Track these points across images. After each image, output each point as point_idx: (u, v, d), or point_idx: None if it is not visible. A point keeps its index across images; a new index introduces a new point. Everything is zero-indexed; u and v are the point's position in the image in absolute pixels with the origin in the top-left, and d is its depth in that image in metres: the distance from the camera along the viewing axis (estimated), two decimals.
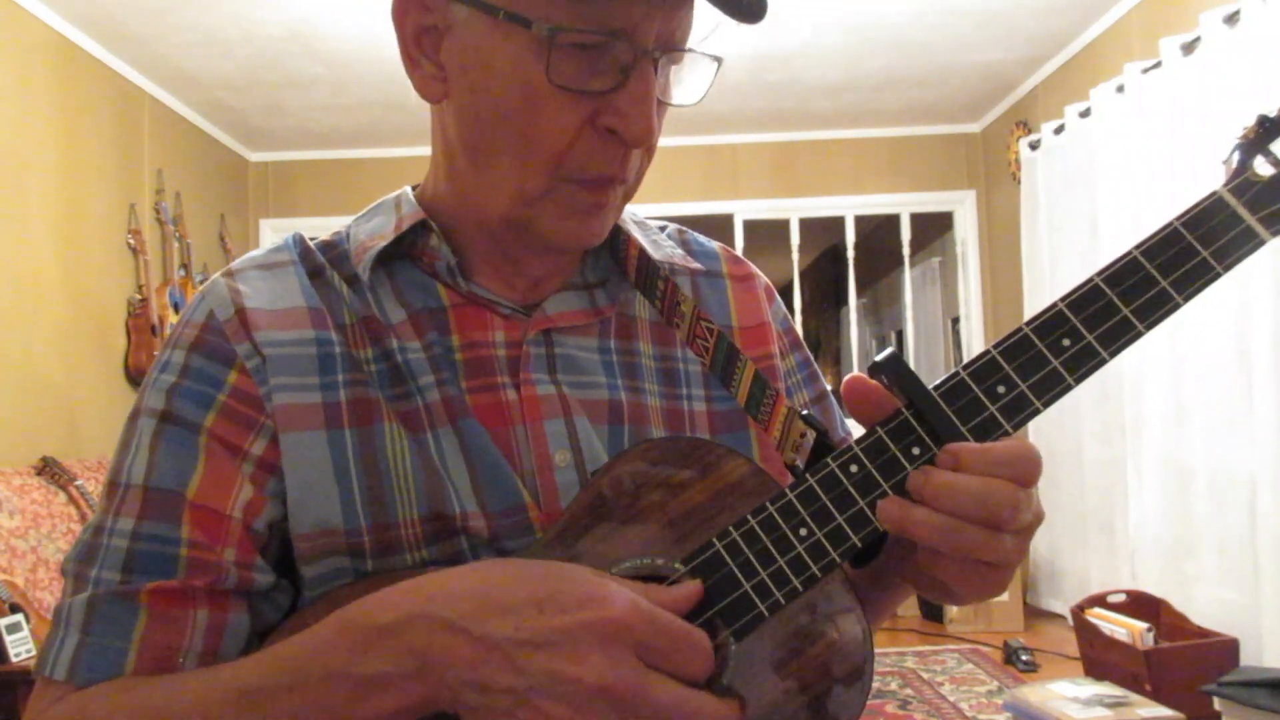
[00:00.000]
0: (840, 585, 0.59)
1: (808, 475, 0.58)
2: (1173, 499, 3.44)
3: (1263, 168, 0.58)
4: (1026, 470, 0.55)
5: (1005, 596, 4.21)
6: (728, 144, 5.34)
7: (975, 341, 5.37)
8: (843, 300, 8.13)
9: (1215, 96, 3.09)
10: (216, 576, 0.62)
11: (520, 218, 0.67)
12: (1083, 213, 4.01)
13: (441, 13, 0.65)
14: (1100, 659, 3.12)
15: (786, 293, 5.55)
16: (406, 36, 0.67)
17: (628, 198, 0.70)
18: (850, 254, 5.55)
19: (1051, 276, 4.33)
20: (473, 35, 0.64)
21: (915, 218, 5.46)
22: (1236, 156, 0.59)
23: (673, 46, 0.64)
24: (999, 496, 0.54)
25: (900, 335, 5.89)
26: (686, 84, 0.68)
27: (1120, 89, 3.74)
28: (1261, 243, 0.57)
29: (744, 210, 5.36)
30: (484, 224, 0.70)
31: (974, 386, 0.57)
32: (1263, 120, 0.59)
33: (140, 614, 0.61)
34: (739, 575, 0.57)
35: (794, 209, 5.38)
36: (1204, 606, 3.22)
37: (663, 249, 0.79)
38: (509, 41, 0.62)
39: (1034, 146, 4.53)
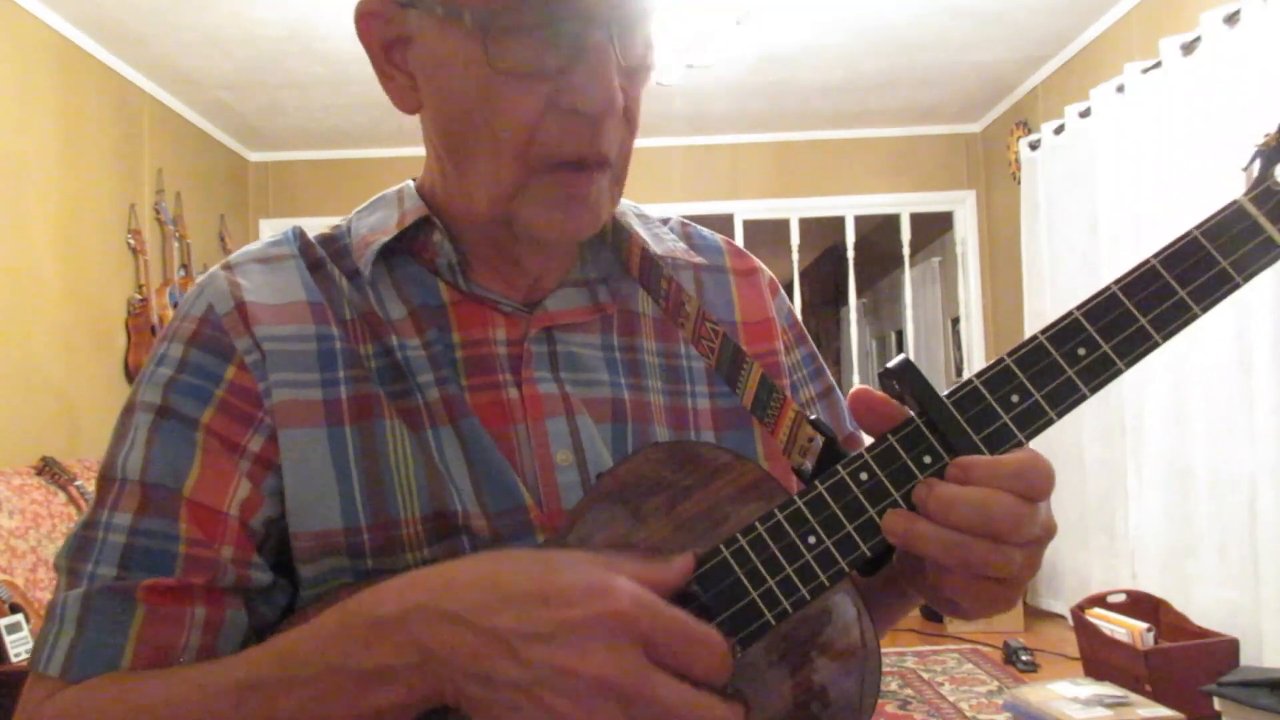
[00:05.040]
0: (848, 595, 0.58)
1: (817, 482, 0.57)
2: (1173, 499, 3.44)
3: None
4: (1034, 483, 0.54)
5: None
6: (728, 144, 5.34)
7: (975, 342, 5.37)
8: (843, 300, 8.13)
9: (1215, 96, 3.09)
10: (214, 574, 0.61)
11: (504, 215, 0.66)
12: (1083, 213, 4.01)
13: (401, 22, 0.66)
14: (1100, 659, 3.12)
15: (787, 293, 5.55)
16: (376, 52, 0.68)
17: (618, 184, 0.68)
18: (850, 254, 5.55)
19: (1051, 277, 4.33)
20: (428, 39, 0.64)
21: (915, 218, 5.46)
22: (1258, 165, 0.58)
23: (628, 17, 0.62)
24: (1000, 509, 0.53)
25: (900, 335, 5.89)
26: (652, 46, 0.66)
27: (1120, 89, 3.74)
28: None
29: (744, 210, 5.36)
30: (477, 223, 0.70)
31: (987, 395, 0.56)
32: None
33: (137, 610, 0.59)
34: (746, 583, 0.56)
35: (794, 209, 5.38)
36: (1204, 606, 3.22)
37: (665, 243, 0.78)
38: (453, 37, 0.62)
39: (1034, 146, 4.52)
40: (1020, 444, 0.57)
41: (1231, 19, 3.07)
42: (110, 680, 0.59)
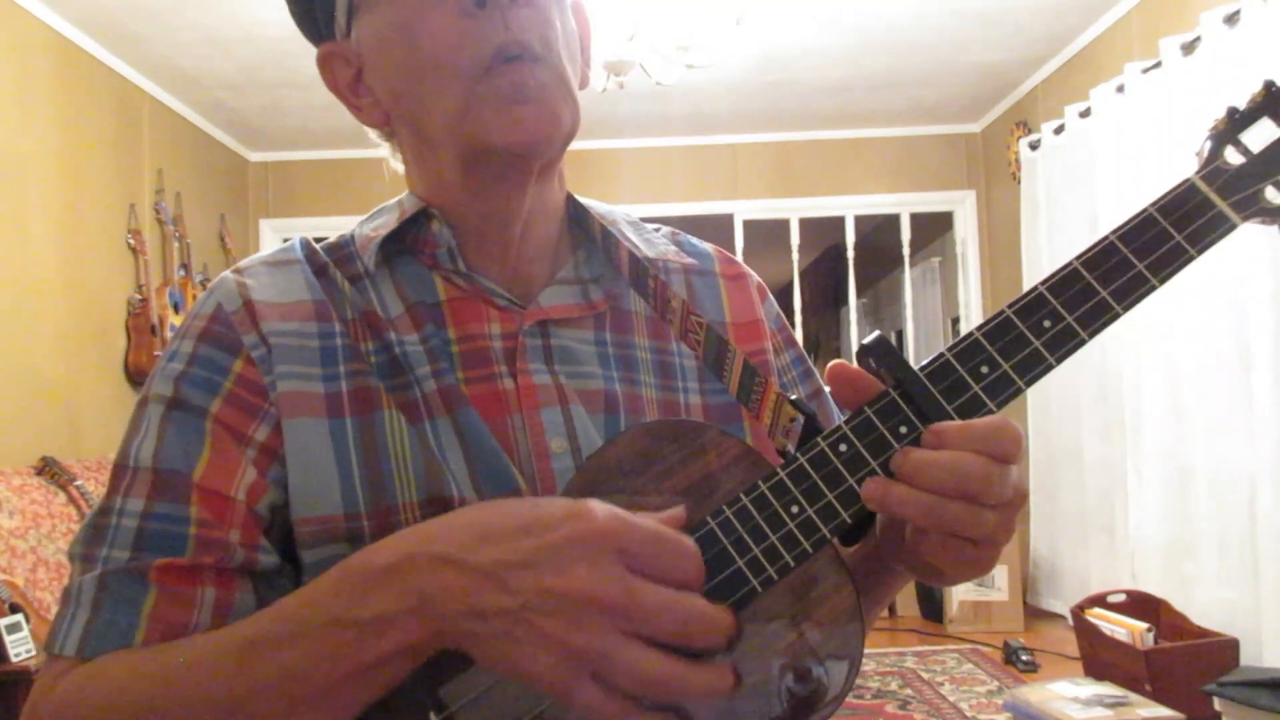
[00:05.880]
0: (832, 562, 0.60)
1: (798, 454, 0.60)
2: (1173, 499, 3.45)
3: (1233, 156, 0.61)
4: (1004, 445, 0.56)
5: (1005, 596, 4.21)
6: (728, 144, 5.34)
7: None
8: (843, 300, 8.14)
9: (1215, 96, 3.09)
10: (224, 554, 0.63)
11: (467, 141, 0.69)
12: (1083, 213, 4.01)
13: (352, 53, 0.73)
14: (1100, 659, 3.12)
15: (787, 292, 5.56)
16: (344, 92, 0.75)
17: (563, 83, 0.70)
18: (850, 254, 5.55)
19: None
20: (369, 41, 0.72)
21: (915, 218, 5.46)
22: (1208, 146, 0.62)
23: None
24: (972, 470, 0.55)
25: (900, 335, 5.89)
26: None
27: (1120, 89, 3.75)
28: (1233, 226, 0.60)
29: (744, 210, 5.36)
30: (458, 199, 0.73)
31: (958, 367, 0.59)
32: (1232, 112, 0.63)
33: (150, 591, 0.62)
34: (732, 552, 0.58)
35: (794, 209, 5.39)
36: (1204, 606, 3.22)
37: (656, 247, 0.81)
38: (379, 21, 0.70)
39: (1034, 146, 4.53)
40: (992, 412, 0.59)
41: (1231, 19, 3.07)
42: (120, 654, 0.61)
